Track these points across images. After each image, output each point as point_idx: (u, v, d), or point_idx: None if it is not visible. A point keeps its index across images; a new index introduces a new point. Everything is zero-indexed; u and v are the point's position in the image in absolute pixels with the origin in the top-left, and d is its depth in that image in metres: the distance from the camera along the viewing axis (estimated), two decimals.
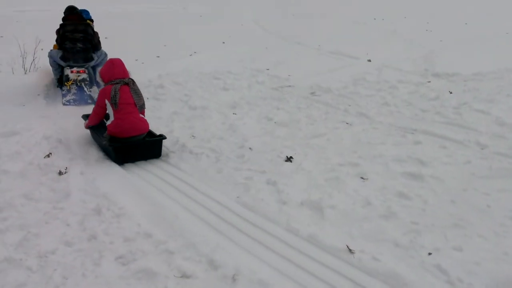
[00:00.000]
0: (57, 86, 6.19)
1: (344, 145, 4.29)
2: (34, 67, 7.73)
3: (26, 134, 4.52)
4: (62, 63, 5.92)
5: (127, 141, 3.96)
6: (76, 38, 5.91)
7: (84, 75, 5.83)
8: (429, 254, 2.62)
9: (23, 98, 5.88)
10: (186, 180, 3.65)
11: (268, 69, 7.78)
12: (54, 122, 4.94)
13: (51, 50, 6.21)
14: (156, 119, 5.13)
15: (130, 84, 4.13)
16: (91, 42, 6.04)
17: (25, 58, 7.65)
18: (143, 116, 4.14)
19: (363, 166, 3.81)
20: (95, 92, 5.79)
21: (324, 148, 4.25)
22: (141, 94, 4.21)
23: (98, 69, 5.49)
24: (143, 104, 4.20)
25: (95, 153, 4.14)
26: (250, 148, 4.26)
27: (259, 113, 5.35)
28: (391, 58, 8.69)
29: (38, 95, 6.12)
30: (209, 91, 6.39)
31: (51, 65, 6.20)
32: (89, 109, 4.92)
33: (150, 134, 4.25)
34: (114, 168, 3.83)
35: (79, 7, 6.45)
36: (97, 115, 4.20)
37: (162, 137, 4.12)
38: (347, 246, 2.70)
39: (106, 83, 4.16)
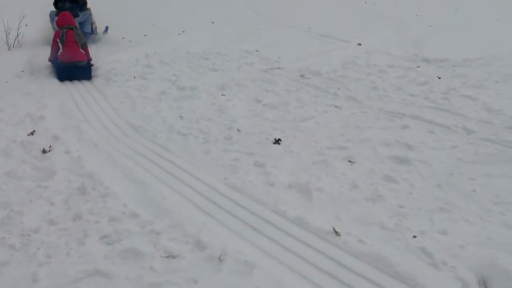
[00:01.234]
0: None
1: (332, 129, 4.28)
2: (18, 43, 7.54)
3: (9, 111, 4.43)
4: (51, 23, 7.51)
5: (68, 65, 5.69)
6: (65, 2, 7.66)
7: None
8: (414, 237, 2.65)
9: (6, 75, 5.73)
10: (173, 161, 3.62)
11: (257, 51, 7.69)
12: (38, 100, 4.83)
13: (51, 11, 7.92)
14: (143, 98, 5.06)
15: (74, 29, 5.95)
16: (77, 3, 7.78)
17: (9, 33, 7.43)
18: (84, 51, 5.88)
19: (351, 149, 3.81)
20: None
21: (313, 131, 4.23)
22: (82, 35, 6.04)
23: (85, 24, 7.46)
24: (85, 43, 6.00)
25: (80, 132, 4.06)
26: (238, 130, 4.22)
27: (248, 94, 5.30)
28: (381, 42, 8.65)
29: (22, 71, 5.97)
30: (197, 71, 6.30)
31: (51, 22, 7.73)
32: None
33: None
34: (100, 148, 3.77)
35: None
36: (53, 50, 5.92)
37: (89, 64, 5.93)
38: (334, 229, 2.71)
39: (59, 28, 5.98)
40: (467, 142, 3.86)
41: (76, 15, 7.22)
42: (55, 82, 5.64)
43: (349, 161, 3.62)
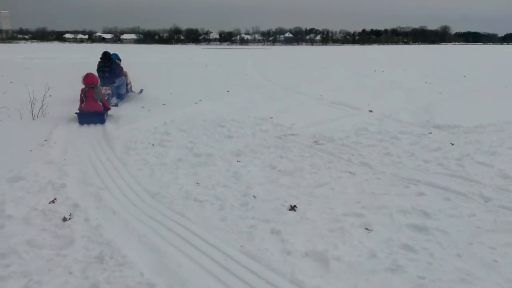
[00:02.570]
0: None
1: (348, 195, 4.30)
2: (42, 113, 7.90)
3: (31, 179, 4.56)
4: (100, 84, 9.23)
5: (84, 111, 7.65)
6: (105, 70, 9.61)
7: (109, 91, 9.28)
8: None
9: (30, 144, 5.97)
10: (190, 228, 3.63)
11: (271, 118, 7.92)
12: (60, 168, 4.98)
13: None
14: (160, 165, 5.18)
15: (94, 88, 7.83)
16: (114, 72, 9.66)
17: (34, 104, 7.83)
18: (102, 103, 7.84)
19: (367, 216, 3.79)
20: (114, 100, 9.35)
21: (328, 197, 4.25)
22: (100, 92, 7.94)
23: (121, 88, 9.83)
24: (101, 98, 7.89)
25: (100, 199, 4.15)
26: (254, 196, 4.26)
27: (263, 161, 5.39)
28: (392, 109, 8.86)
29: (45, 140, 6.21)
30: (213, 138, 6.49)
31: None
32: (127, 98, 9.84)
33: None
34: (118, 215, 3.82)
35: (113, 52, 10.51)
36: (80, 102, 7.91)
37: (105, 112, 7.83)
38: None
39: (84, 85, 7.89)
40: (485, 210, 3.82)
41: (113, 82, 9.62)
42: (77, 150, 5.84)
43: (366, 229, 3.59)
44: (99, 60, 9.82)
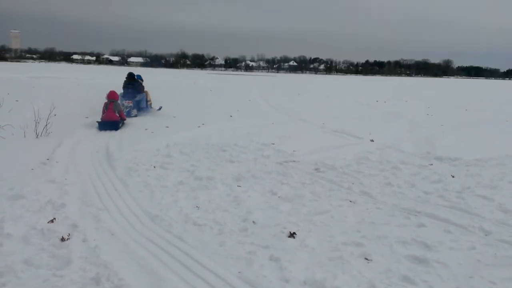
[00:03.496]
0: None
1: (348, 224, 4.28)
2: (46, 132, 7.96)
3: (32, 198, 4.57)
4: (123, 99, 11.31)
5: (103, 121, 9.37)
6: (129, 87, 11.82)
7: (131, 104, 11.28)
8: None
9: (32, 162, 6.00)
10: (188, 252, 3.61)
11: (273, 144, 7.96)
12: (61, 187, 4.99)
13: (120, 93, 11.50)
14: (161, 188, 5.19)
15: (114, 102, 9.68)
16: (136, 89, 11.85)
17: (38, 123, 7.90)
18: (119, 114, 9.66)
19: (367, 246, 3.77)
20: (134, 112, 11.33)
21: (328, 225, 4.23)
22: (118, 106, 9.85)
23: (141, 102, 11.92)
24: (119, 110, 9.76)
25: (99, 220, 4.14)
26: (253, 222, 4.25)
27: (263, 186, 5.40)
28: (393, 139, 8.91)
29: (48, 159, 6.24)
30: (215, 162, 6.51)
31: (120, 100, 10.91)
32: (132, 120, 10.65)
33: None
34: (117, 237, 3.81)
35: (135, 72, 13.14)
36: (102, 112, 9.59)
37: (120, 122, 9.61)
38: None
39: (107, 100, 9.73)
40: (485, 244, 3.80)
41: (134, 97, 11.58)
42: (78, 170, 5.86)
43: (366, 259, 3.57)
44: (125, 79, 12.11)
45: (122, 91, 11.78)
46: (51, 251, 3.44)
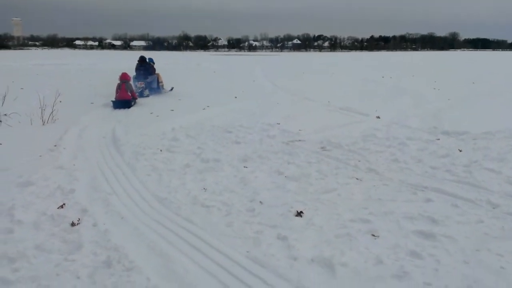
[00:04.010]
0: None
1: (354, 201, 4.30)
2: (52, 118, 8.00)
3: (41, 185, 4.62)
4: (135, 80, 12.30)
5: (117, 100, 10.25)
6: (141, 69, 12.75)
7: (143, 85, 12.23)
8: None
9: (40, 149, 6.04)
10: (197, 234, 3.65)
11: (279, 124, 7.95)
12: (70, 173, 5.04)
13: (133, 75, 12.51)
14: (168, 171, 5.22)
15: (125, 83, 10.49)
16: (148, 71, 12.80)
17: (44, 110, 7.93)
18: (131, 94, 10.52)
19: (374, 223, 3.79)
20: (146, 92, 12.23)
21: (335, 203, 4.25)
22: (130, 86, 10.71)
23: (152, 83, 12.75)
24: (131, 90, 10.63)
25: (108, 204, 4.19)
26: (260, 202, 4.28)
27: (270, 166, 5.41)
28: (400, 115, 8.84)
29: (55, 146, 6.29)
30: (221, 144, 6.52)
31: (132, 81, 11.83)
32: (138, 104, 11.01)
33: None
34: (126, 220, 3.86)
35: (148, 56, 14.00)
36: (115, 92, 10.48)
37: (132, 100, 10.55)
38: None
39: (120, 81, 10.53)
40: (492, 217, 3.80)
41: (146, 78, 12.52)
42: (86, 156, 5.91)
43: (373, 235, 3.58)
44: (137, 62, 12.99)
45: (134, 73, 12.68)
46: (62, 236, 3.50)
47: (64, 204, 4.11)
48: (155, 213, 4.08)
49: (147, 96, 12.09)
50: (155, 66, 13.54)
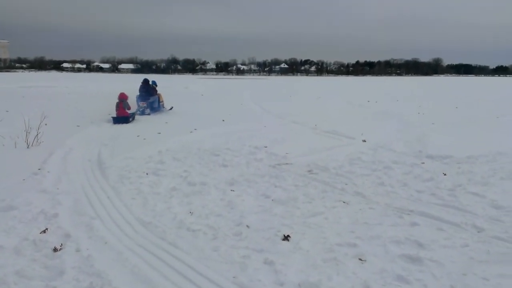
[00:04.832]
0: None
1: (342, 225, 4.29)
2: (37, 141, 7.90)
3: (24, 209, 4.53)
4: (138, 100, 13.84)
5: (116, 116, 11.66)
6: (143, 91, 14.14)
7: (145, 105, 13.62)
8: None
9: (23, 173, 5.95)
10: (182, 259, 3.60)
11: (266, 147, 7.96)
12: (53, 197, 4.96)
13: (137, 95, 14.11)
14: (154, 194, 5.17)
15: (123, 101, 11.79)
16: (149, 92, 14.17)
17: (29, 132, 7.84)
18: (127, 110, 11.82)
19: (361, 247, 3.78)
20: (147, 111, 13.58)
21: (322, 227, 4.24)
22: (127, 104, 11.85)
23: (154, 103, 14.14)
24: (128, 107, 11.88)
25: (92, 229, 4.11)
26: (247, 226, 4.25)
27: (257, 190, 5.40)
28: (385, 139, 8.95)
29: (39, 169, 6.19)
30: (208, 167, 6.50)
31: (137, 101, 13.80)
32: (145, 118, 12.70)
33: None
34: (110, 245, 3.79)
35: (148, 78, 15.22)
36: (115, 109, 11.85)
37: (130, 117, 11.84)
38: None
39: (118, 100, 11.88)
40: (478, 241, 3.82)
41: (148, 98, 13.93)
42: (70, 179, 5.82)
43: (360, 259, 3.57)
44: (141, 83, 14.43)
45: (138, 93, 14.23)
46: (44, 262, 3.41)
47: (46, 228, 4.02)
48: (140, 237, 4.01)
49: (148, 114, 13.47)
50: (157, 88, 15.12)
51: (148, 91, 14.15)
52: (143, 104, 13.53)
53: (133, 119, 12.15)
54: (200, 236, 4.01)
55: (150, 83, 14.57)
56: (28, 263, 3.37)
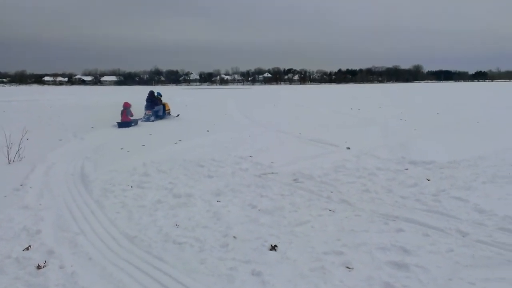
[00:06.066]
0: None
1: (328, 233, 4.30)
2: (19, 157, 7.75)
3: (5, 226, 4.43)
4: (145, 109, 15.79)
5: (121, 122, 13.86)
6: (149, 101, 15.92)
7: (150, 113, 15.54)
8: None
9: (5, 189, 5.82)
10: (168, 272, 3.56)
11: (251, 156, 7.96)
12: (36, 213, 4.86)
13: (145, 105, 16.06)
14: (139, 207, 5.11)
15: (126, 109, 14.04)
16: (154, 102, 16.00)
17: (10, 148, 7.69)
18: (130, 116, 13.99)
19: (348, 254, 3.79)
20: (152, 119, 15.37)
21: (309, 236, 4.24)
22: (130, 112, 14.07)
23: (159, 112, 16.07)
24: (131, 114, 14.07)
25: (76, 244, 4.04)
26: (234, 237, 4.22)
27: (243, 200, 5.38)
28: (369, 145, 9.04)
29: (21, 185, 6.07)
30: (193, 178, 6.46)
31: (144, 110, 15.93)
32: (150, 125, 14.61)
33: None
34: (94, 261, 3.72)
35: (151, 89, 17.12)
36: (121, 116, 14.09)
37: (132, 122, 14.03)
38: None
39: (123, 108, 14.10)
40: (462, 245, 3.87)
41: (153, 108, 15.75)
42: (53, 194, 5.72)
43: (347, 267, 3.58)
44: (147, 95, 16.18)
45: (145, 103, 16.06)
46: (27, 280, 3.33)
47: (29, 246, 3.94)
48: (125, 252, 3.95)
49: (153, 121, 15.32)
50: (162, 98, 17.02)
51: (153, 101, 16.05)
52: (148, 112, 15.56)
53: (136, 124, 14.13)
54: (187, 249, 3.98)
55: (156, 94, 16.43)
56: (11, 282, 3.29)
